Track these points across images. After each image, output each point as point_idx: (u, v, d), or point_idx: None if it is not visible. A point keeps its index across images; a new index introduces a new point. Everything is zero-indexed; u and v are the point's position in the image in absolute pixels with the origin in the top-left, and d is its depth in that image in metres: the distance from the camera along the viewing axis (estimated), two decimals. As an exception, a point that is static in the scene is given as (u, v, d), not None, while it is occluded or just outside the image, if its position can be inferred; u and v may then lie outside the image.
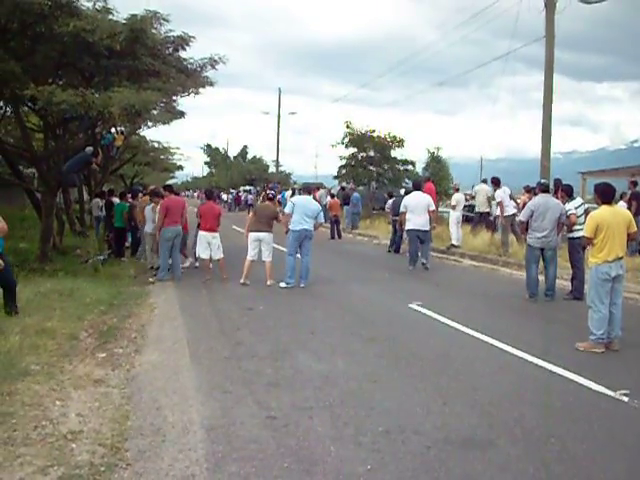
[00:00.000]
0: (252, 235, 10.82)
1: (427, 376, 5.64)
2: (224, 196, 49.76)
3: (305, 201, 10.96)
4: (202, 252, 11.20)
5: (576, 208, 9.68)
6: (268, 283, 10.67)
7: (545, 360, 6.02)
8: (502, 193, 14.80)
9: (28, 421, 4.26)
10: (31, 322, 6.79)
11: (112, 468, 3.66)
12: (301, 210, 10.70)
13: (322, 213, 11.25)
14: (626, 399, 4.95)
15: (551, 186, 14.56)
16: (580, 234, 9.32)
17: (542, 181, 11.56)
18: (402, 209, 13.27)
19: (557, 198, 11.63)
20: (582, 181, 36.27)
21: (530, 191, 15.81)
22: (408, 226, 13.15)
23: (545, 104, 16.17)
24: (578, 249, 9.57)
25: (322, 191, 29.13)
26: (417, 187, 13.89)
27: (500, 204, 14.66)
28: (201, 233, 11.22)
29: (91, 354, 6.15)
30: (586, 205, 10.20)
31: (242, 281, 10.69)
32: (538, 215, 9.45)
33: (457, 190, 17.20)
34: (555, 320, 8.31)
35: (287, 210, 10.99)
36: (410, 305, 8.91)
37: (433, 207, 13.41)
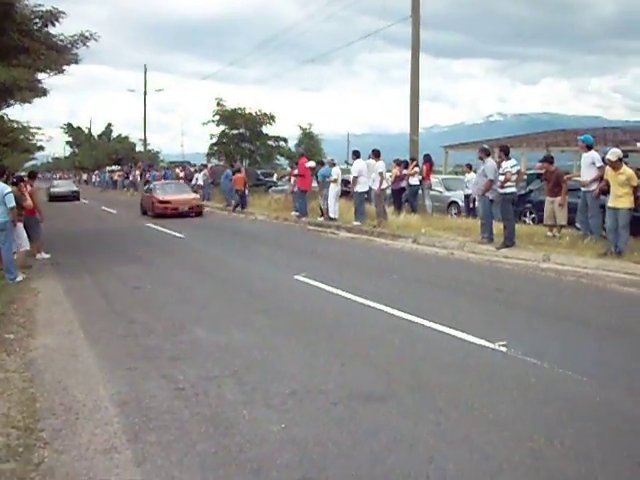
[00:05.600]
0: None
1: (322, 341, 5.99)
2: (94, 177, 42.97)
3: None
4: None
5: (512, 167, 11.17)
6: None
7: (430, 320, 6.49)
8: (382, 165, 15.65)
9: None
10: None
11: (30, 448, 3.66)
12: None
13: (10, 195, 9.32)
14: (504, 349, 5.55)
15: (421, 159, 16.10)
16: (511, 190, 11.18)
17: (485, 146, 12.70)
18: (355, 174, 15.60)
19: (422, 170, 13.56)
20: (445, 154, 38.92)
21: (400, 164, 16.89)
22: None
23: (412, 81, 17.11)
24: (508, 204, 11.24)
25: (204, 171, 28.76)
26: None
27: (381, 175, 15.41)
28: None
29: (-21, 341, 5.88)
30: (519, 166, 11.99)
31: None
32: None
33: (334, 165, 17.70)
34: (436, 283, 9.03)
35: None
36: (296, 277, 9.26)
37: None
